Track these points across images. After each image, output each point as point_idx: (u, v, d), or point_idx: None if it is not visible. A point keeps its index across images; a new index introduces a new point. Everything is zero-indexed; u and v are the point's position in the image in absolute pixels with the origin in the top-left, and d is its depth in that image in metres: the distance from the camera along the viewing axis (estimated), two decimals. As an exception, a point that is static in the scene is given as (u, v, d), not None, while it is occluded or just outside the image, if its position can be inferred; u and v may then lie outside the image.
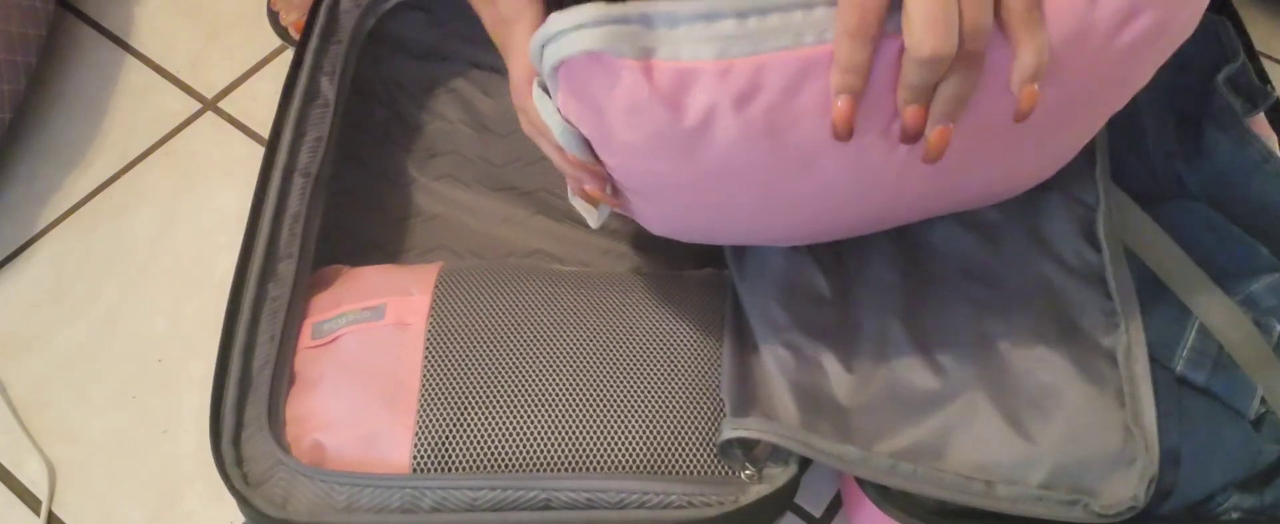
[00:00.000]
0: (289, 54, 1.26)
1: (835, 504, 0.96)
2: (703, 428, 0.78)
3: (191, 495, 0.97)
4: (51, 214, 1.14)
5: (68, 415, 1.02)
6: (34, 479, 0.98)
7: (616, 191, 0.71)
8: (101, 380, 1.04)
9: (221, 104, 1.23)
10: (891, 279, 0.86)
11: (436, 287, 0.85)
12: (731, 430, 0.76)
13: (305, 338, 0.83)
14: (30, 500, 0.97)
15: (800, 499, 0.96)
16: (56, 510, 0.96)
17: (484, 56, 1.11)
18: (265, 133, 1.17)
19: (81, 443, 1.00)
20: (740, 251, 0.89)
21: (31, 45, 1.18)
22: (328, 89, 0.95)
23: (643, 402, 0.79)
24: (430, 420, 0.77)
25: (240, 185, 1.15)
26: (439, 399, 0.78)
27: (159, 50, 1.27)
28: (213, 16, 1.30)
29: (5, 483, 0.98)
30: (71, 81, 1.24)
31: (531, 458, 0.76)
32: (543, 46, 0.58)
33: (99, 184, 1.16)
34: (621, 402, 0.79)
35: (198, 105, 1.23)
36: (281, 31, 1.25)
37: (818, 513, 0.96)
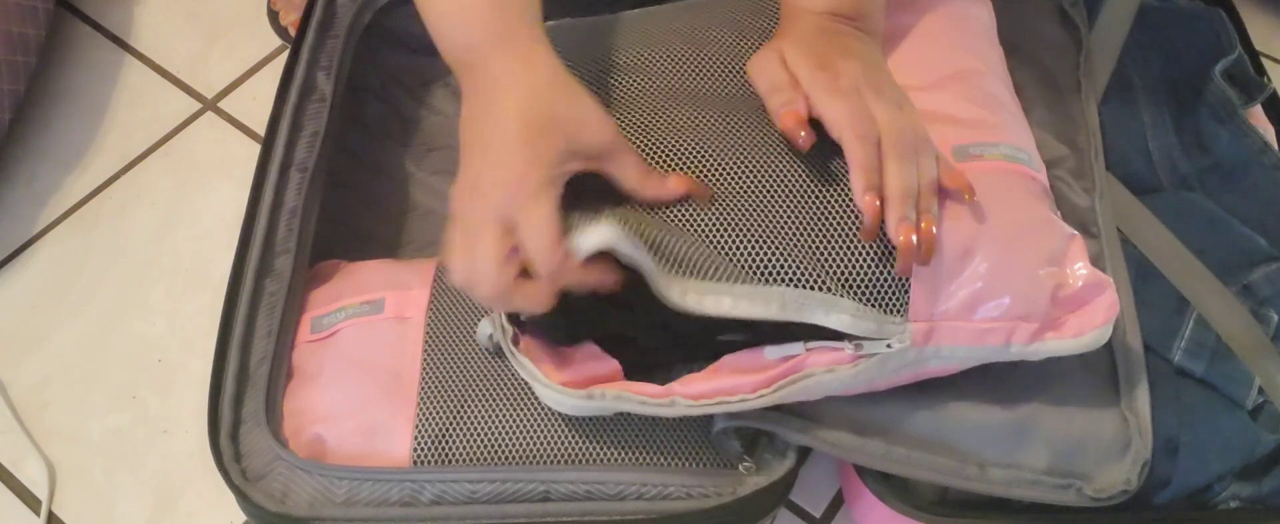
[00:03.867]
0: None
1: (835, 504, 0.97)
2: (702, 420, 0.79)
3: (191, 495, 0.98)
4: (51, 214, 1.15)
5: (68, 415, 1.02)
6: (34, 479, 0.98)
7: None
8: (101, 380, 1.04)
9: (221, 104, 1.24)
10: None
11: (435, 280, 0.85)
12: (727, 420, 0.76)
13: (304, 332, 0.84)
14: (30, 500, 0.97)
15: (800, 499, 0.97)
16: (56, 510, 0.97)
17: (480, 51, 1.11)
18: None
19: (81, 443, 1.01)
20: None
21: (31, 45, 1.19)
22: (324, 84, 0.96)
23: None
24: (430, 413, 0.77)
25: (240, 185, 1.13)
26: (439, 392, 0.78)
27: (159, 50, 1.28)
28: (213, 16, 1.31)
29: (5, 483, 0.99)
30: (71, 81, 1.25)
31: (531, 450, 0.76)
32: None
33: (99, 184, 1.17)
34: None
35: (198, 105, 1.23)
36: (281, 31, 1.26)
37: (817, 513, 0.96)
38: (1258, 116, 0.98)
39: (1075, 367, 0.78)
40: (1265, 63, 1.06)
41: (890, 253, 0.67)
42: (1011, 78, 0.86)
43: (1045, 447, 0.75)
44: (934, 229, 0.65)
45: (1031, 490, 0.75)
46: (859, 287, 0.67)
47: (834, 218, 0.68)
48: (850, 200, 0.68)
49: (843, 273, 0.67)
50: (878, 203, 0.65)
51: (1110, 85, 0.97)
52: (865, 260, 0.67)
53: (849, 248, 0.68)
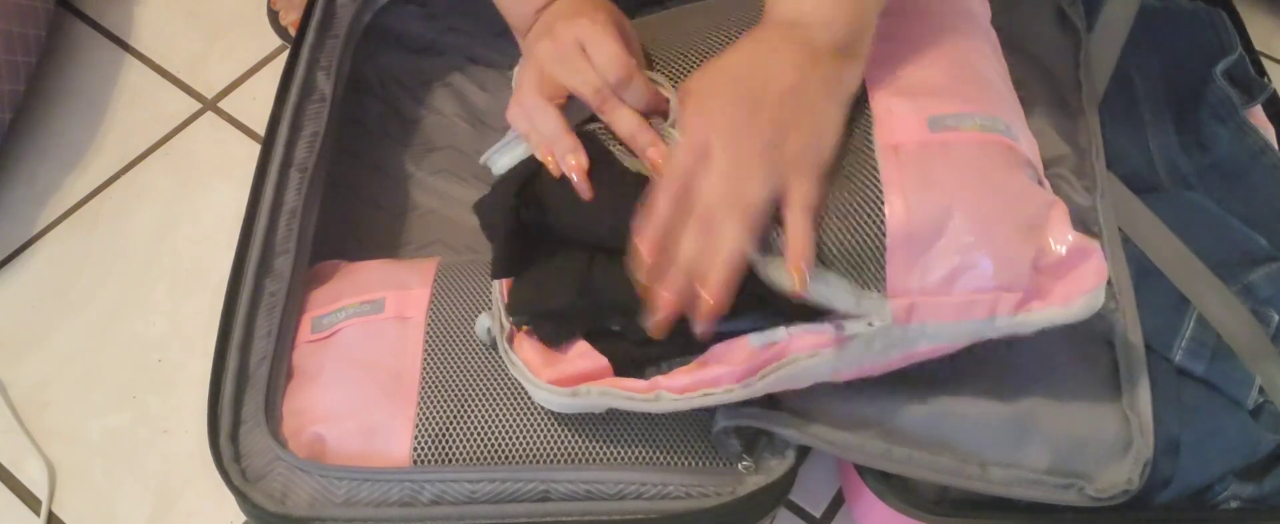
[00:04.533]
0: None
1: (835, 504, 0.97)
2: (702, 419, 0.79)
3: (191, 495, 0.98)
4: (51, 214, 1.16)
5: (68, 415, 1.03)
6: (34, 479, 0.99)
7: None
8: (101, 380, 1.05)
9: (221, 104, 1.24)
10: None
11: (436, 280, 0.86)
12: (727, 419, 0.77)
13: (305, 332, 0.84)
14: (30, 500, 0.98)
15: (800, 499, 0.97)
16: (56, 510, 0.97)
17: (480, 51, 1.12)
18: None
19: (81, 443, 1.01)
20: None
21: (31, 45, 1.19)
22: (324, 84, 0.97)
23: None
24: (430, 413, 0.78)
25: (240, 185, 1.14)
26: (439, 391, 0.79)
27: (159, 50, 1.29)
28: (213, 16, 1.32)
29: (5, 483, 0.99)
30: (71, 81, 1.25)
31: (530, 450, 0.77)
32: None
33: (99, 184, 1.18)
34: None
35: (198, 105, 1.24)
36: (281, 31, 1.27)
37: (817, 513, 0.97)
38: (1258, 116, 0.99)
39: (1076, 365, 0.79)
40: (1265, 63, 1.07)
41: (855, 225, 0.68)
42: (1011, 76, 0.85)
43: (1046, 446, 0.76)
44: (711, 301, 0.67)
45: (1033, 490, 0.75)
46: (833, 255, 0.68)
47: None
48: None
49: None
50: (649, 252, 0.68)
51: (1111, 85, 0.97)
52: (833, 230, 0.68)
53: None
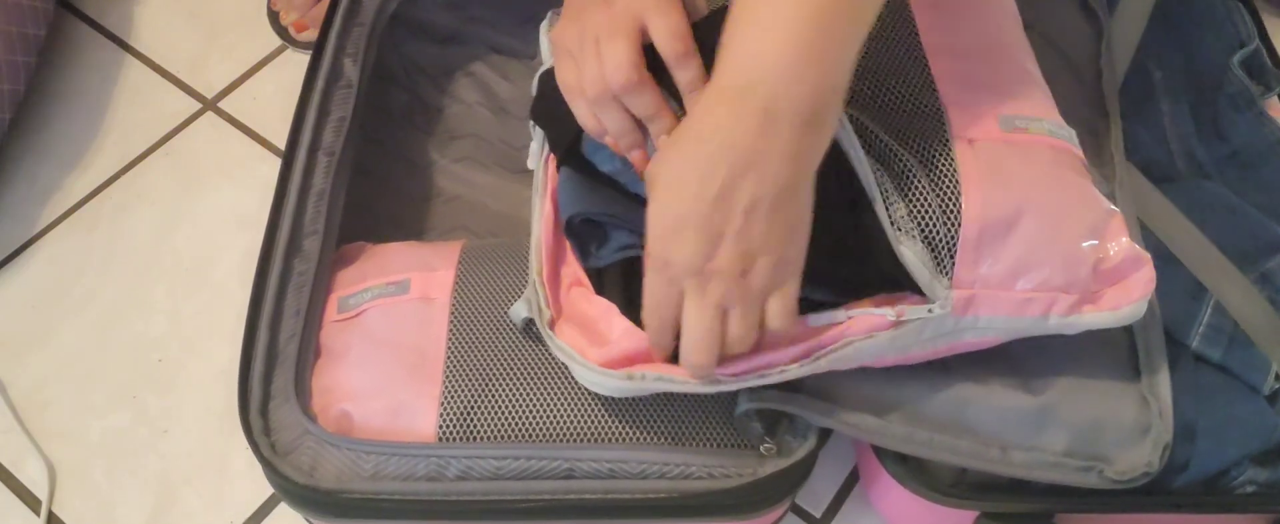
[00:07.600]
0: (289, 54, 1.33)
1: (835, 504, 1.01)
2: (724, 401, 0.83)
3: (191, 495, 1.02)
4: (51, 214, 1.20)
5: (68, 415, 1.07)
6: (34, 479, 1.03)
7: None
8: (101, 380, 1.09)
9: (221, 104, 1.28)
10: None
11: (460, 262, 0.90)
12: (749, 402, 0.81)
13: (331, 312, 0.88)
14: (30, 500, 1.02)
15: (801, 499, 1.01)
16: (56, 510, 1.01)
17: (503, 40, 1.17)
18: (265, 133, 1.23)
19: (81, 443, 1.05)
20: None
21: (31, 45, 1.23)
22: (351, 71, 1.01)
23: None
24: (455, 391, 0.82)
25: (240, 185, 1.20)
26: (464, 370, 0.83)
27: (159, 50, 1.33)
28: (213, 16, 1.36)
29: (5, 483, 1.03)
30: (71, 81, 1.30)
31: (555, 428, 0.81)
32: None
33: (99, 184, 1.22)
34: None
35: (198, 105, 1.28)
36: (281, 31, 1.32)
37: (818, 513, 1.01)
38: (1275, 108, 1.03)
39: (1095, 349, 0.83)
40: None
41: (933, 213, 0.73)
42: (1033, 64, 0.90)
43: (1066, 429, 0.80)
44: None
45: (1052, 473, 0.79)
46: (925, 229, 0.73)
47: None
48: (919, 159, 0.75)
49: (912, 211, 0.73)
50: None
51: (1129, 74, 1.01)
52: (930, 207, 0.73)
53: (916, 190, 0.74)
